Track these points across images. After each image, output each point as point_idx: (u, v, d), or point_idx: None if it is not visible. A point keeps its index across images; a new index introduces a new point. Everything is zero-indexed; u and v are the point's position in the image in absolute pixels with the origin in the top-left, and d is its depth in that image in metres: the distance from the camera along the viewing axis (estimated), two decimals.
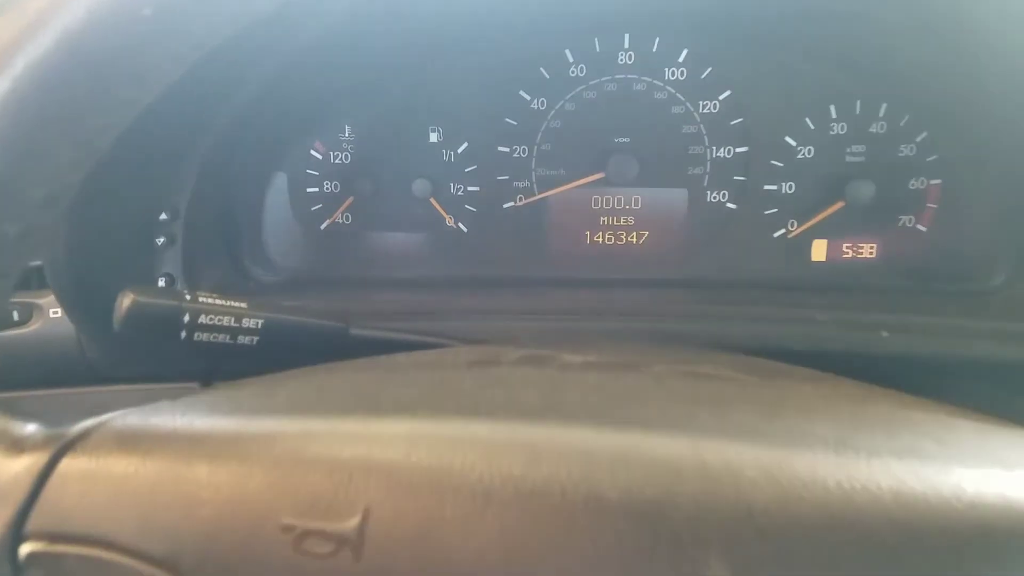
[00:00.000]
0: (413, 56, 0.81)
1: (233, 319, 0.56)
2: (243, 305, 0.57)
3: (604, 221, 0.85)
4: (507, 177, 0.84)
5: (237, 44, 0.36)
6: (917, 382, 0.74)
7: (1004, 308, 0.75)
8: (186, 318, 0.55)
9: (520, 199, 0.84)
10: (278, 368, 0.45)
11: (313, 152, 0.84)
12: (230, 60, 0.61)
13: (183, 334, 0.55)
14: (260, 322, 0.58)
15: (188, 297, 0.55)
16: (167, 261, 0.74)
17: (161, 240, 0.74)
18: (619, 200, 0.84)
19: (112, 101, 0.33)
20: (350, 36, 0.74)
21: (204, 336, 0.56)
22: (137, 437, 0.34)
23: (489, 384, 0.40)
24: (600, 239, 0.86)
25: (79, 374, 0.73)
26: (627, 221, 0.85)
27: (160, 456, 0.33)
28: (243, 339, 0.57)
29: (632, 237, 0.85)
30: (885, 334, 0.69)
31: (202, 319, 0.55)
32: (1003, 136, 0.75)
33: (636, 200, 0.84)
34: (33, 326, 0.73)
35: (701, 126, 0.81)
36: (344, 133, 0.84)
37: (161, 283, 0.74)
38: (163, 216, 0.74)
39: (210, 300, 0.56)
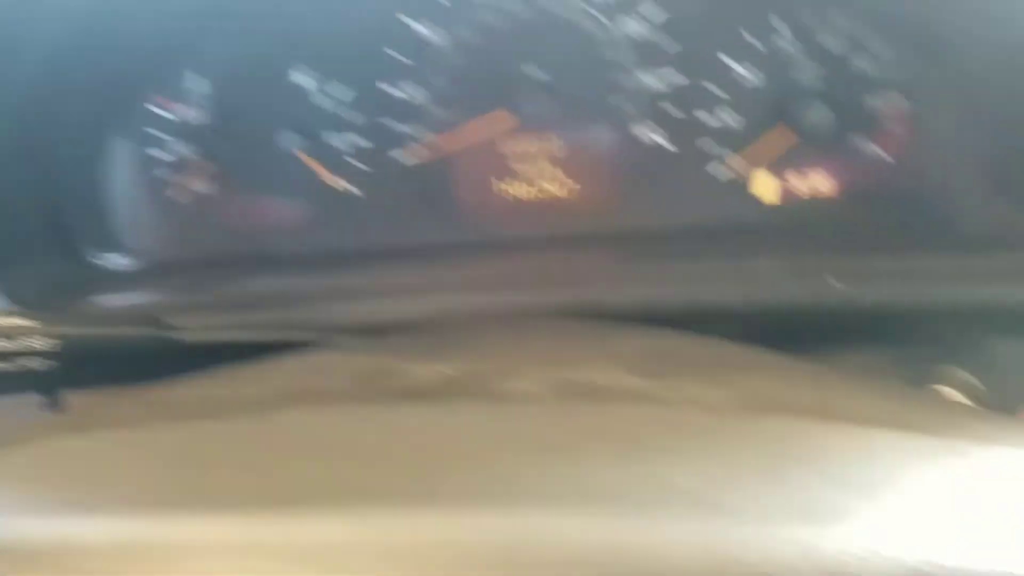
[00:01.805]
0: None
1: (5, 340, 0.43)
2: (27, 323, 0.44)
3: (521, 168, 0.72)
4: (397, 122, 0.70)
5: None
6: (867, 332, 0.65)
7: (971, 242, 0.65)
8: None
9: (417, 149, 0.71)
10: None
11: (156, 110, 0.69)
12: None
13: None
14: (56, 343, 0.45)
15: None
16: None
17: None
18: (537, 143, 0.71)
19: None
20: None
21: None
22: None
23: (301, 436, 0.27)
24: (515, 191, 0.73)
25: None
26: (546, 166, 0.72)
27: None
28: (32, 363, 0.44)
29: (553, 186, 0.73)
30: (834, 282, 0.59)
31: None
32: (966, 38, 0.64)
33: (554, 140, 0.71)
34: None
35: (622, 49, 0.68)
36: (190, 84, 0.69)
37: None
38: None
39: None
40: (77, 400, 0.44)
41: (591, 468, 0.24)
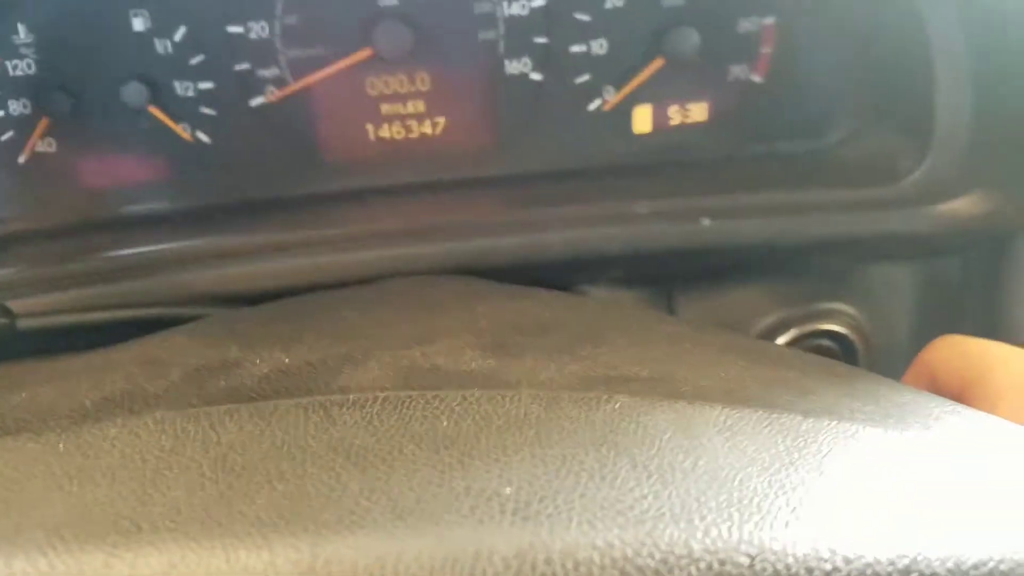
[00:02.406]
0: None
1: None
2: None
3: (388, 110, 0.69)
4: (248, 65, 0.64)
5: None
6: (746, 269, 0.66)
7: (841, 168, 0.65)
8: None
9: (271, 92, 0.66)
10: None
11: None
12: None
13: None
14: None
15: None
16: None
17: None
18: (401, 80, 0.67)
19: None
20: None
21: None
22: None
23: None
24: (386, 133, 0.69)
25: None
26: (416, 107, 0.69)
27: None
28: None
29: (425, 127, 0.69)
30: (706, 222, 0.59)
31: None
32: None
33: (422, 79, 0.68)
34: None
35: None
36: (18, 35, 0.62)
37: None
38: None
39: None
40: None
41: (403, 479, 0.22)
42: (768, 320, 0.64)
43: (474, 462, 0.21)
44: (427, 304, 0.43)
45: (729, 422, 0.24)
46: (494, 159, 0.70)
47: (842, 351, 0.65)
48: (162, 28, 0.63)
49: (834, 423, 0.24)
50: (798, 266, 0.65)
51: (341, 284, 0.58)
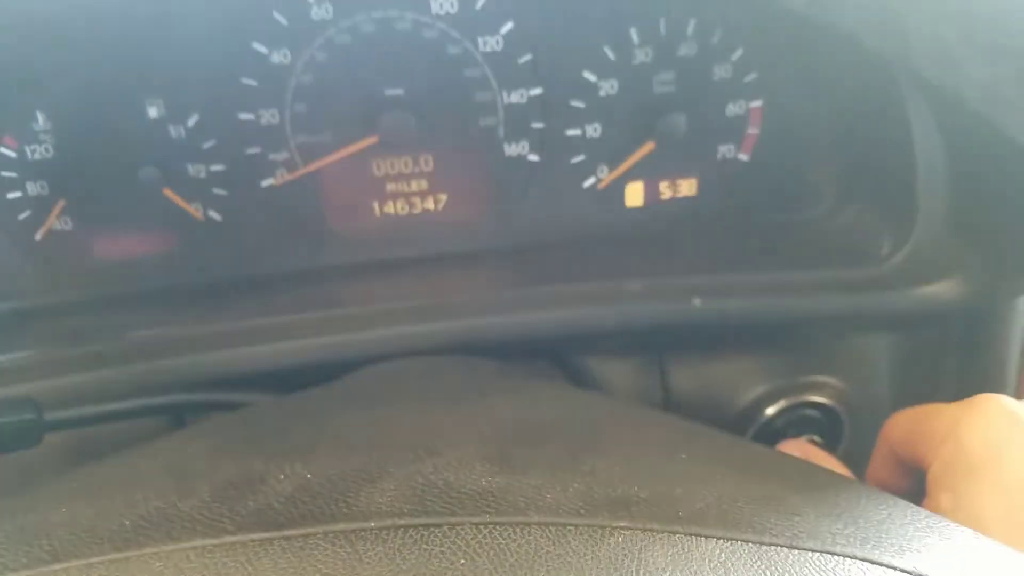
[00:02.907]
0: (110, 14, 0.61)
1: None
2: None
3: (392, 188, 0.71)
4: (258, 149, 0.67)
5: None
6: (733, 343, 0.69)
7: (826, 249, 0.68)
8: None
9: (281, 174, 0.69)
10: None
11: (3, 150, 0.64)
12: None
13: None
14: None
15: None
16: None
17: None
18: (406, 162, 0.70)
19: None
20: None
21: None
22: None
23: None
24: (391, 209, 0.72)
25: None
26: (419, 186, 0.71)
27: None
28: None
29: (428, 203, 0.72)
30: (697, 302, 0.61)
31: None
32: (825, 46, 0.66)
33: (426, 160, 0.70)
34: None
35: (485, 67, 0.67)
36: (38, 122, 0.64)
37: None
38: None
39: None
40: None
41: None
42: (756, 392, 0.66)
43: None
44: (428, 400, 0.45)
45: (723, 557, 0.26)
46: (492, 233, 0.73)
47: (827, 420, 0.67)
48: (176, 115, 0.65)
49: (816, 556, 0.26)
50: (784, 339, 0.67)
51: (344, 362, 0.59)
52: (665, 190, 0.73)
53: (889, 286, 0.61)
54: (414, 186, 0.71)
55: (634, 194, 0.73)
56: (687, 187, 0.73)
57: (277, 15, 0.63)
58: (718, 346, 0.67)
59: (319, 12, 0.64)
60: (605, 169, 0.71)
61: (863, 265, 0.63)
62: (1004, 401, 0.46)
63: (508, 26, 0.66)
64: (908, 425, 0.50)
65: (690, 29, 0.67)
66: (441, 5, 0.65)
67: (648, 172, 0.72)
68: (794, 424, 0.65)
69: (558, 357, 0.69)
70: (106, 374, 0.57)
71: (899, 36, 0.23)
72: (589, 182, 0.71)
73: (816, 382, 0.65)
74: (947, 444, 0.45)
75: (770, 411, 0.65)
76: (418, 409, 0.42)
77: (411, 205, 0.72)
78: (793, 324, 0.63)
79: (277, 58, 0.64)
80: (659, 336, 0.66)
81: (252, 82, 0.65)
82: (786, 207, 0.73)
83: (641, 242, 0.72)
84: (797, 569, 0.26)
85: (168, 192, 0.66)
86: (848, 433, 0.68)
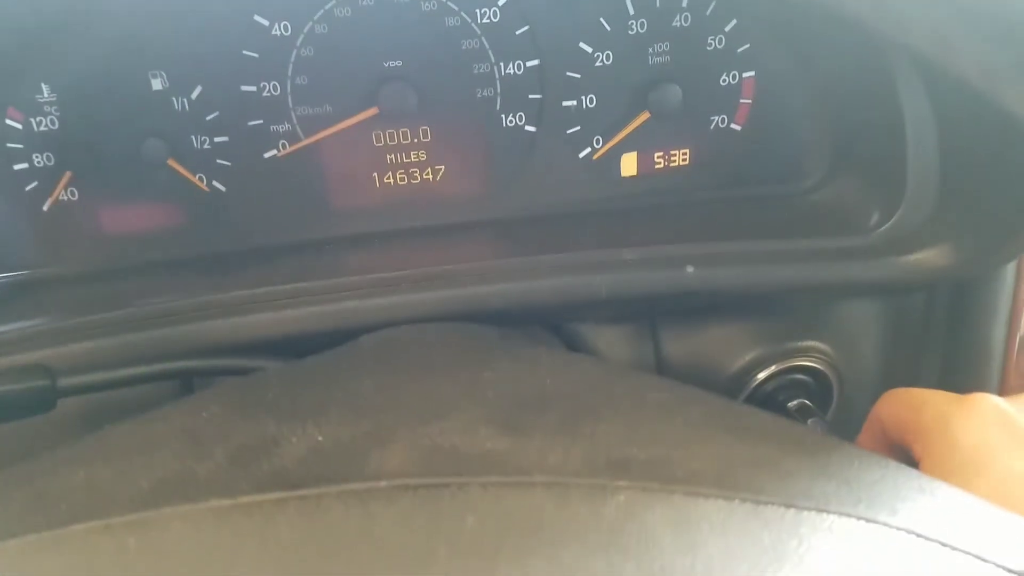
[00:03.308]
0: None
1: None
2: None
3: (392, 159, 0.71)
4: (261, 121, 0.67)
5: None
6: (725, 310, 0.70)
7: (816, 218, 0.69)
8: None
9: (284, 146, 0.69)
10: None
11: (9, 122, 0.64)
12: None
13: None
14: None
15: None
16: None
17: None
18: (405, 134, 0.70)
19: None
20: None
21: None
22: None
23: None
24: (391, 180, 0.72)
25: None
26: (418, 156, 0.71)
27: None
28: None
29: (427, 174, 0.72)
30: (690, 269, 0.62)
31: None
32: (819, 20, 0.66)
33: (424, 131, 0.70)
34: None
35: (483, 39, 0.67)
36: (42, 94, 0.64)
37: None
38: None
39: None
40: None
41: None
42: (748, 357, 0.67)
43: (499, 568, 0.24)
44: (431, 365, 0.46)
45: (721, 515, 0.27)
46: (490, 204, 0.73)
47: (816, 385, 0.69)
48: (179, 87, 0.65)
49: (812, 515, 0.28)
50: (774, 306, 0.68)
51: (346, 330, 0.60)
52: (659, 160, 0.74)
53: (878, 254, 0.62)
54: (413, 157, 0.71)
55: (628, 164, 0.73)
56: (680, 157, 0.74)
57: None
58: (710, 314, 0.68)
59: None
60: (600, 140, 0.72)
61: (853, 234, 0.64)
62: (996, 402, 0.46)
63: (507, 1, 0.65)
64: (900, 410, 0.51)
65: (684, 1, 0.67)
66: None
67: (642, 143, 0.72)
68: (784, 388, 0.66)
69: (554, 325, 0.70)
70: (116, 341, 0.58)
71: (898, 18, 0.23)
72: (584, 152, 0.72)
73: (806, 347, 0.67)
74: (940, 441, 0.45)
75: (761, 376, 0.66)
76: (422, 374, 0.43)
77: (410, 176, 0.72)
78: (783, 292, 0.64)
79: (278, 30, 0.64)
80: (652, 304, 0.67)
81: (254, 54, 0.65)
82: (778, 177, 0.74)
83: (635, 212, 0.72)
84: (793, 527, 0.27)
85: (172, 163, 0.66)
86: (837, 397, 0.70)
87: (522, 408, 0.37)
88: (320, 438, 0.35)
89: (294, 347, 0.59)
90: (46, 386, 0.47)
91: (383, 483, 0.30)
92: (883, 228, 0.63)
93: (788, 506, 0.28)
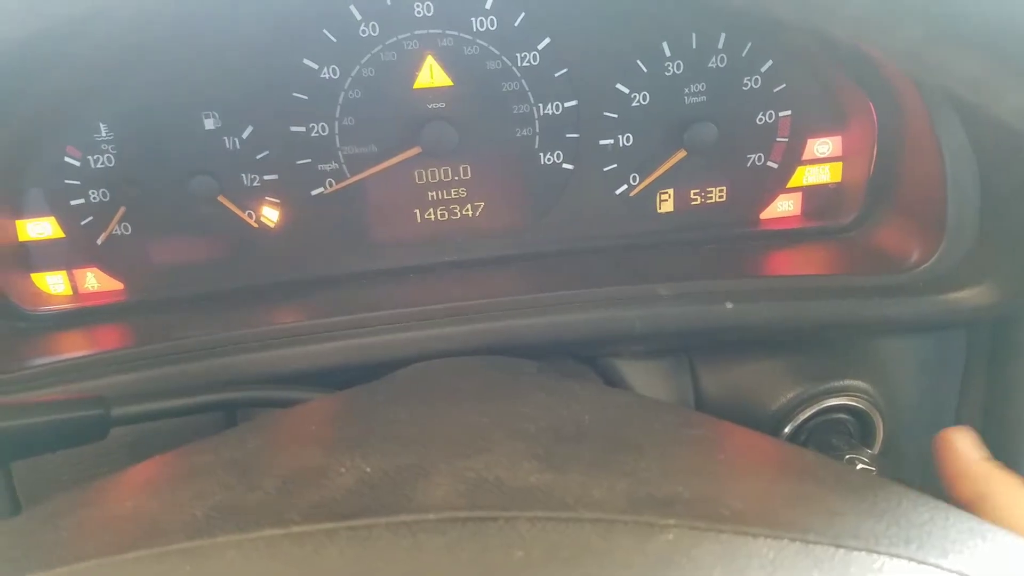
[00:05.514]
0: (169, 30, 0.63)
1: None
2: None
3: (433, 196, 0.72)
4: (309, 160, 0.69)
5: None
6: (764, 345, 0.68)
7: (857, 254, 0.68)
8: None
9: (330, 184, 0.70)
10: None
11: (68, 159, 0.66)
12: None
13: None
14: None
15: None
16: None
17: None
18: (446, 171, 0.71)
19: None
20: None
21: None
22: None
23: None
24: (432, 216, 0.73)
25: None
26: (459, 193, 0.72)
27: None
28: None
29: (467, 210, 0.73)
30: (729, 305, 0.61)
31: None
32: (854, 61, 0.66)
33: (465, 169, 0.71)
34: None
35: (522, 81, 0.67)
36: (100, 133, 0.66)
37: None
38: None
39: None
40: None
41: None
42: (789, 395, 0.65)
43: None
44: (470, 398, 0.46)
45: (771, 555, 0.26)
46: (527, 239, 0.73)
47: (858, 423, 0.67)
48: (231, 127, 0.67)
49: (862, 555, 0.26)
50: (815, 343, 0.66)
51: (386, 362, 0.60)
52: (695, 197, 0.73)
53: (918, 292, 0.60)
54: (454, 194, 0.72)
55: (665, 200, 0.73)
56: (717, 194, 0.73)
57: (327, 33, 0.64)
58: (748, 350, 0.67)
59: (366, 30, 0.65)
60: (637, 177, 0.72)
61: (893, 272, 0.62)
62: None
63: (545, 42, 0.66)
64: (964, 466, 0.48)
65: (721, 42, 0.68)
66: (480, 23, 0.65)
67: (679, 180, 0.72)
68: (825, 427, 0.64)
69: (591, 359, 0.70)
70: (164, 372, 0.58)
71: (939, 64, 0.23)
72: (621, 189, 0.72)
73: (847, 386, 0.65)
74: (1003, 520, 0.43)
75: (802, 415, 0.64)
76: (461, 407, 0.42)
77: (450, 212, 0.73)
78: (824, 328, 0.63)
79: (327, 73, 0.66)
80: (689, 339, 0.66)
81: (303, 96, 0.66)
82: (815, 214, 0.73)
83: (670, 247, 0.72)
84: (843, 567, 0.26)
85: (223, 199, 0.68)
86: (877, 434, 0.68)
87: (562, 442, 0.37)
88: (368, 469, 0.34)
89: (334, 379, 0.60)
90: (100, 415, 0.48)
91: (431, 515, 0.29)
92: (924, 266, 0.61)
93: (837, 546, 0.27)
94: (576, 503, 0.30)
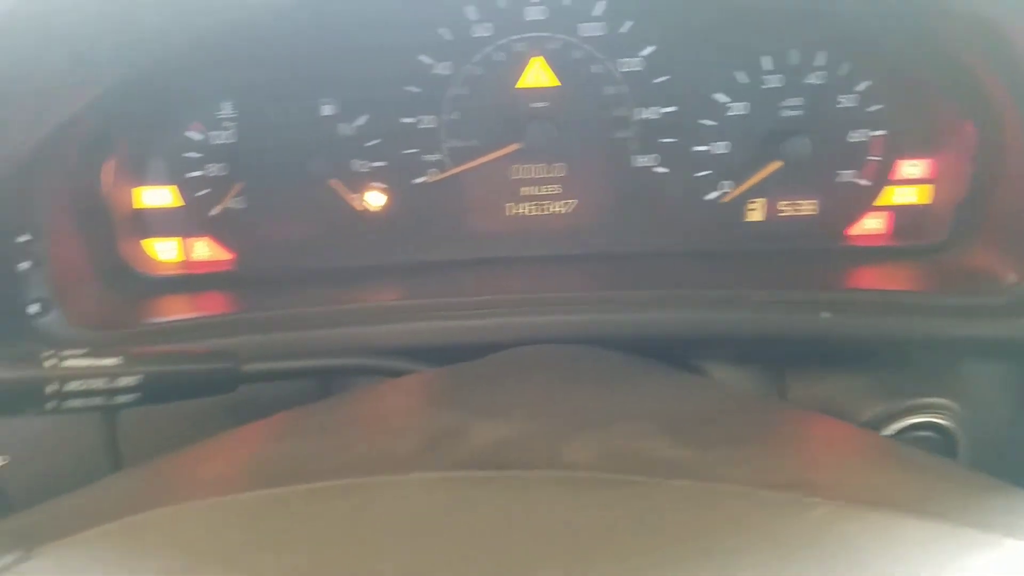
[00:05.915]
0: (296, 21, 0.67)
1: (107, 380, 0.46)
2: (116, 361, 0.47)
3: (526, 192, 0.75)
4: (415, 150, 0.72)
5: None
6: (851, 358, 0.69)
7: (946, 270, 0.68)
8: (51, 388, 0.45)
9: (433, 173, 0.73)
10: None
11: (191, 133, 0.71)
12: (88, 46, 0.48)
13: (49, 405, 0.45)
14: (138, 379, 0.47)
15: (50, 362, 0.45)
16: (34, 287, 0.62)
17: (26, 264, 0.61)
18: (541, 169, 0.74)
19: None
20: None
21: (77, 403, 0.46)
22: None
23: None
24: (523, 210, 0.75)
25: None
26: (552, 190, 0.74)
27: None
28: (122, 398, 0.47)
29: (558, 207, 0.75)
30: (825, 315, 0.62)
31: (71, 386, 0.45)
32: (950, 81, 0.66)
33: (560, 168, 0.74)
34: None
35: (624, 86, 0.70)
36: (224, 111, 0.70)
37: (35, 308, 0.62)
38: (24, 237, 0.61)
39: (77, 362, 0.46)
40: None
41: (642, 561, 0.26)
42: (876, 409, 0.65)
43: (710, 565, 0.26)
44: (587, 380, 0.48)
45: (920, 535, 0.28)
46: (616, 238, 0.75)
47: (942, 441, 0.67)
48: (346, 115, 0.70)
49: (978, 533, 0.28)
50: (903, 360, 0.67)
51: (480, 344, 0.63)
52: (785, 208, 0.74)
53: (1009, 313, 0.61)
54: (546, 190, 0.74)
55: (755, 210, 0.75)
56: (808, 207, 0.74)
57: (442, 31, 0.68)
58: (837, 362, 0.67)
59: (479, 30, 0.68)
60: (727, 184, 0.73)
61: (987, 293, 0.63)
62: None
63: (649, 49, 0.68)
64: None
65: (820, 60, 0.69)
66: (589, 28, 0.68)
67: (770, 190, 0.74)
68: (909, 444, 0.64)
69: (681, 360, 0.70)
70: (290, 336, 0.62)
71: None
72: (712, 195, 0.73)
73: (933, 403, 0.65)
74: None
75: (888, 431, 0.65)
76: (583, 387, 0.45)
77: (541, 208, 0.75)
78: (915, 344, 0.63)
79: (439, 69, 0.69)
80: (780, 347, 0.67)
81: (416, 90, 0.69)
82: (904, 233, 0.73)
83: (757, 256, 0.73)
84: (967, 548, 0.27)
85: (334, 183, 0.71)
86: (961, 455, 0.68)
87: (688, 423, 0.38)
88: (507, 431, 0.36)
89: (430, 357, 0.62)
90: (232, 369, 0.51)
91: (582, 474, 0.31)
92: (1016, 289, 0.62)
93: (958, 526, 0.28)
94: (719, 476, 0.32)
